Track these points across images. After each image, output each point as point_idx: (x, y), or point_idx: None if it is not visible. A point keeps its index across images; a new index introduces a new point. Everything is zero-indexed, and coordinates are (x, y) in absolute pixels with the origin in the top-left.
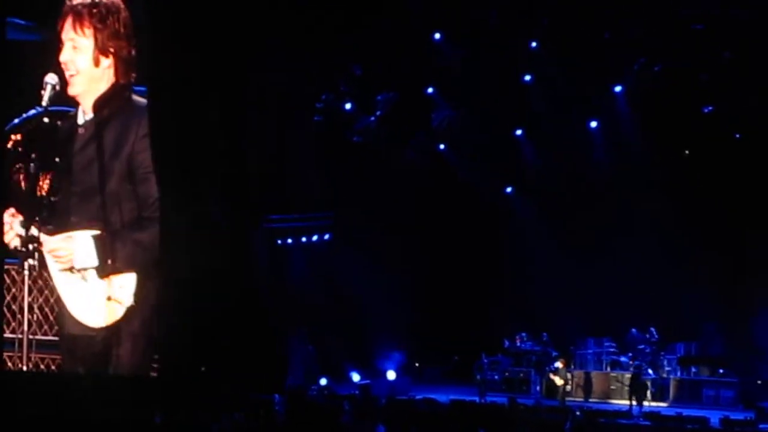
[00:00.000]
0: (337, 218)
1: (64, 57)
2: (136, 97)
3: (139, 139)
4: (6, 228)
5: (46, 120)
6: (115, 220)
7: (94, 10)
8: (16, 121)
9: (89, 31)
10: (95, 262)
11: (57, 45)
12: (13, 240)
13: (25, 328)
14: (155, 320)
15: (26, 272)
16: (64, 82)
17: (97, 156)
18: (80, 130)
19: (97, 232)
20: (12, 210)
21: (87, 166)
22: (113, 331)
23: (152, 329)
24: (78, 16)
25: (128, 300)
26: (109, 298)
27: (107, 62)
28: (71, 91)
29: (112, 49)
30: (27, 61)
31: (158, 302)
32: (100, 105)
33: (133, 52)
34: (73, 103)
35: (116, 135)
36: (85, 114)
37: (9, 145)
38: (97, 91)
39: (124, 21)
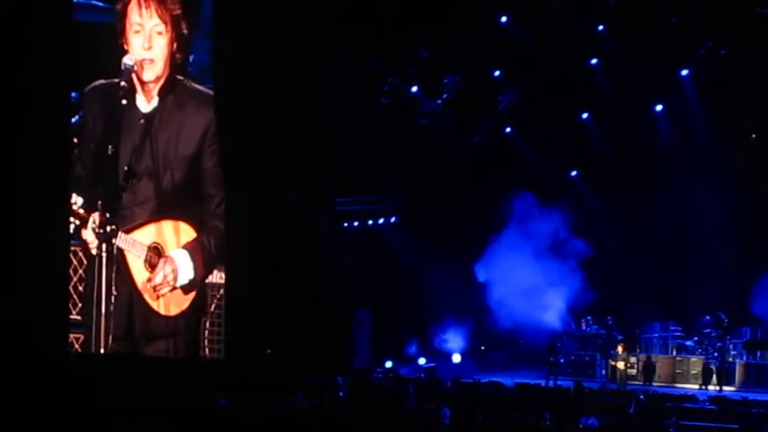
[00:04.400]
0: (402, 201)
1: (135, 41)
2: (194, 84)
3: (210, 136)
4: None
5: (124, 102)
6: (192, 212)
7: None
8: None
9: (156, 14)
10: (192, 275)
11: (122, 28)
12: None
13: (103, 310)
14: (221, 302)
15: (104, 254)
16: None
17: (164, 145)
18: (146, 117)
19: (187, 246)
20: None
21: (156, 155)
22: (185, 317)
23: (217, 311)
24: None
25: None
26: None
27: (171, 44)
28: (146, 76)
29: (175, 31)
30: (102, 44)
31: (225, 286)
32: (165, 91)
33: (188, 32)
34: (139, 87)
35: (183, 125)
36: (149, 100)
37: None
38: (163, 76)
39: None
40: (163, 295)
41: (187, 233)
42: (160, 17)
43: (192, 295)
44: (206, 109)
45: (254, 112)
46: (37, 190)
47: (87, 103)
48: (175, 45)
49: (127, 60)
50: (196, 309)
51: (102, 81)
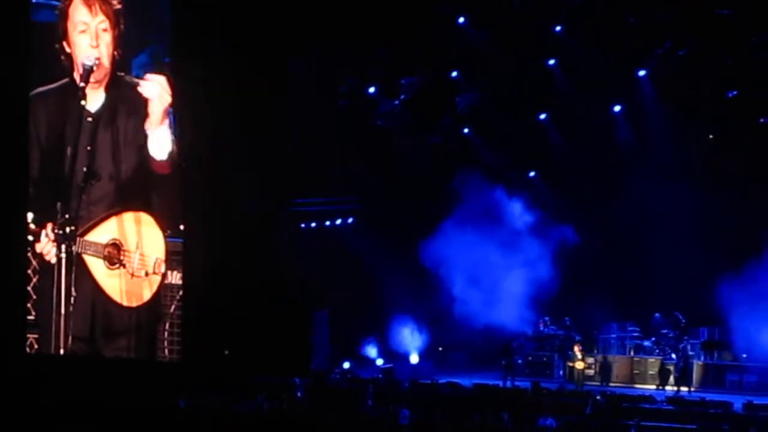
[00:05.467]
0: (360, 202)
1: (82, 41)
2: (134, 79)
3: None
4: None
5: (83, 103)
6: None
7: None
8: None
9: (101, 11)
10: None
11: (65, 29)
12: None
13: (62, 311)
14: (179, 303)
15: (63, 255)
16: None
17: (112, 142)
18: (93, 115)
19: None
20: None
21: (104, 151)
22: (143, 312)
23: (175, 312)
24: None
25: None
26: (146, 274)
27: (114, 41)
28: (94, 75)
29: (116, 28)
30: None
31: (183, 285)
32: (109, 88)
33: (125, 28)
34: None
35: (129, 120)
36: (95, 98)
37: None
38: (108, 73)
39: None
40: (122, 261)
41: (148, 222)
42: (105, 13)
43: (151, 284)
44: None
45: (213, 112)
46: None
47: (32, 109)
48: (116, 42)
49: (86, 60)
50: (155, 306)
51: (42, 88)
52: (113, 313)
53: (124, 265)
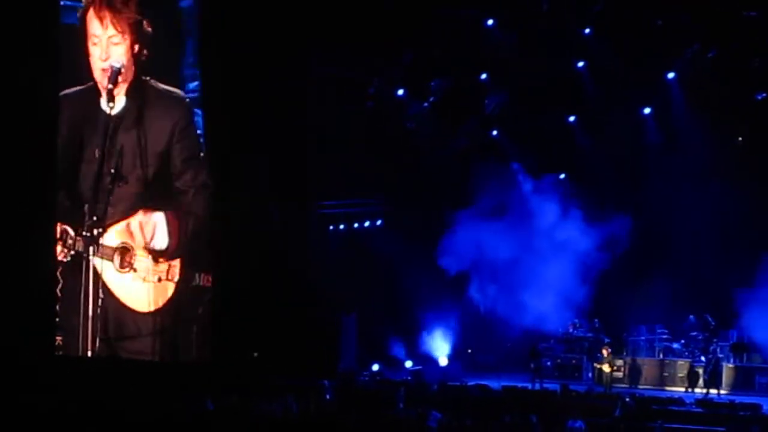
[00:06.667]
0: (388, 205)
1: (94, 52)
2: (159, 84)
3: (178, 133)
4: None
5: (111, 105)
6: (163, 205)
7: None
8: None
9: (111, 24)
10: (166, 242)
11: (84, 36)
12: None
13: (90, 313)
14: (208, 306)
15: (92, 258)
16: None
17: (137, 145)
18: (114, 118)
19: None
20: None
21: (128, 155)
22: (162, 316)
23: (204, 315)
24: (99, 8)
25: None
26: (159, 279)
27: (132, 48)
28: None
29: (135, 34)
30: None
31: (212, 288)
32: (131, 93)
33: (152, 31)
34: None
35: (152, 124)
36: (116, 102)
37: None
38: (128, 78)
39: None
40: (132, 265)
41: (162, 225)
42: (116, 27)
43: (166, 291)
44: (173, 107)
45: (241, 117)
46: (23, 193)
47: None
48: (136, 47)
49: (114, 63)
50: (173, 310)
51: (70, 90)
52: (126, 317)
53: (135, 269)
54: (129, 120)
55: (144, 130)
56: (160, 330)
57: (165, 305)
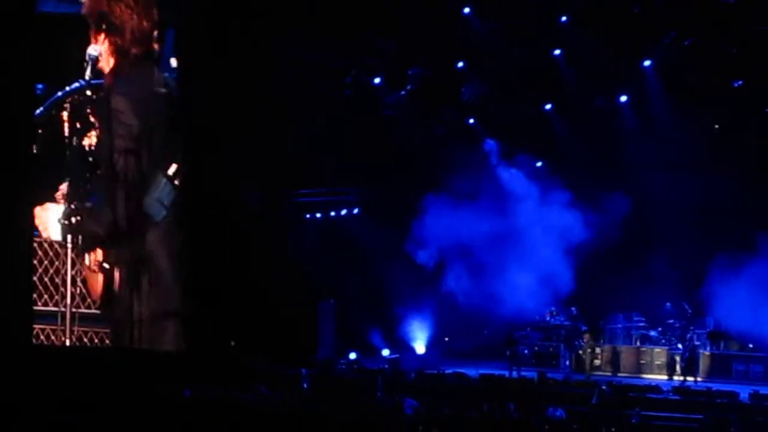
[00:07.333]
0: (365, 193)
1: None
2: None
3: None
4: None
5: (88, 93)
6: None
7: None
8: (60, 94)
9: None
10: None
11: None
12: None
13: (68, 301)
14: (180, 295)
15: (69, 245)
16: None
17: (110, 134)
18: (96, 103)
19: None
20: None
21: (102, 142)
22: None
23: (175, 304)
24: None
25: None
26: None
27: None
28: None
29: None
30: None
31: (186, 277)
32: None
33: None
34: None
35: (128, 110)
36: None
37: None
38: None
39: None
40: None
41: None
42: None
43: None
44: (150, 93)
45: (216, 103)
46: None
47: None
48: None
49: (91, 50)
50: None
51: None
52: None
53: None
54: (107, 108)
55: (120, 116)
56: (138, 319)
57: (106, 295)
